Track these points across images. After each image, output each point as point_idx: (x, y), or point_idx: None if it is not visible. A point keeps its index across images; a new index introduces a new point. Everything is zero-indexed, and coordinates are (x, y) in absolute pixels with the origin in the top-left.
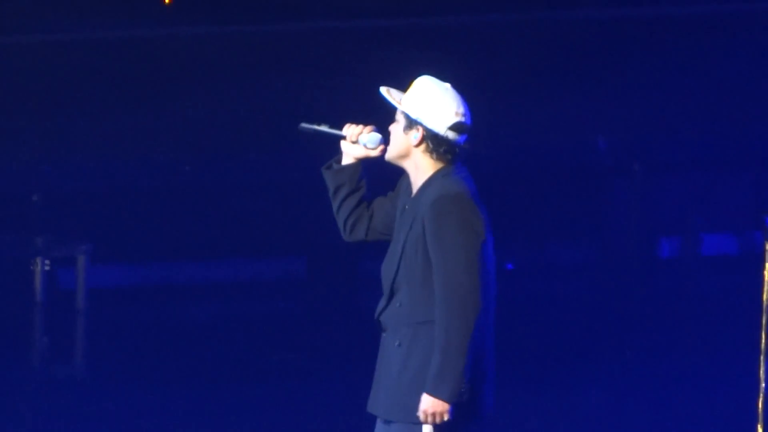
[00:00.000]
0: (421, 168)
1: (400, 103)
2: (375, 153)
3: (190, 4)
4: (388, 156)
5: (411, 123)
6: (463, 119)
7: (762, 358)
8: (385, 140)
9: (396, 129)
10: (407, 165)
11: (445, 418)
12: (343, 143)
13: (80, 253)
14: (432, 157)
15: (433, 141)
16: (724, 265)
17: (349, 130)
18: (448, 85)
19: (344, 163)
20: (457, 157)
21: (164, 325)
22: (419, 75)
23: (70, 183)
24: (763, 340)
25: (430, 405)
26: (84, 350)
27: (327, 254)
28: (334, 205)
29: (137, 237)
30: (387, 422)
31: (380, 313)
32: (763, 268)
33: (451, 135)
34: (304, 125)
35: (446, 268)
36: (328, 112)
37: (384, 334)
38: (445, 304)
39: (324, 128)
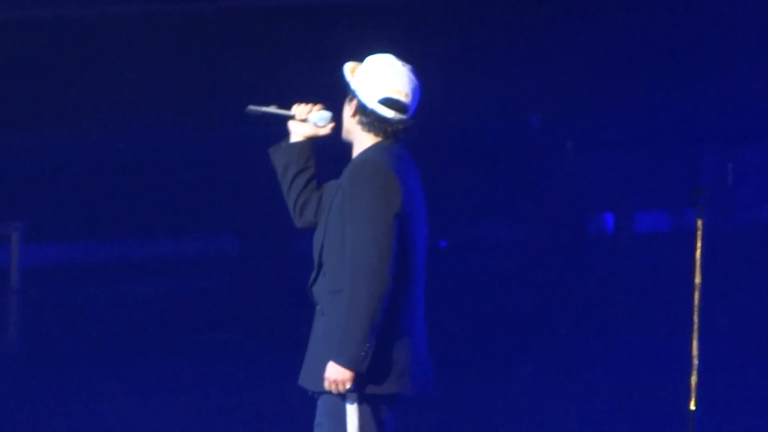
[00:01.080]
0: (359, 142)
1: (345, 74)
2: (324, 131)
3: None
4: (342, 133)
5: (350, 95)
6: (399, 97)
7: (694, 334)
8: (336, 119)
9: (345, 104)
10: (352, 140)
11: (347, 386)
12: (291, 123)
13: (13, 230)
14: (367, 132)
15: (362, 113)
16: (657, 242)
17: (298, 109)
18: (401, 65)
19: (290, 142)
20: (394, 135)
21: (98, 304)
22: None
23: (2, 161)
24: (696, 317)
25: (331, 372)
26: (18, 329)
27: (260, 232)
28: (284, 187)
29: (71, 215)
30: (316, 394)
31: (311, 285)
32: (695, 245)
33: (381, 109)
34: (252, 107)
35: (355, 236)
36: (258, 91)
37: (317, 307)
38: (351, 272)
39: (272, 109)
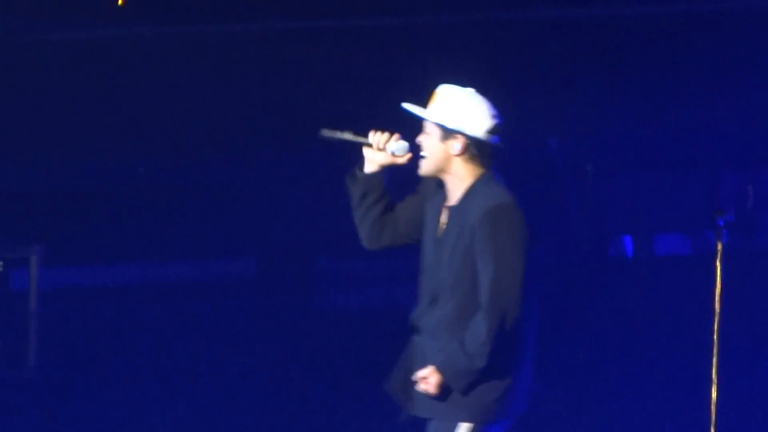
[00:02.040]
0: (460, 176)
1: (429, 115)
2: (401, 161)
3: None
4: (425, 170)
5: (448, 133)
6: (497, 120)
7: (714, 359)
8: (412, 148)
9: (430, 141)
10: (443, 175)
11: (432, 392)
12: (366, 150)
13: (33, 254)
14: (472, 165)
15: (476, 147)
16: (677, 264)
17: (375, 138)
18: (472, 90)
19: (368, 171)
20: (492, 163)
21: (116, 327)
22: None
23: (22, 183)
24: (715, 340)
25: (436, 380)
26: (36, 352)
27: (277, 254)
28: (358, 214)
29: (89, 238)
30: (429, 420)
31: (419, 317)
32: (715, 267)
33: (491, 138)
34: (327, 132)
35: (497, 279)
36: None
37: (417, 337)
38: (488, 312)
39: (348, 136)
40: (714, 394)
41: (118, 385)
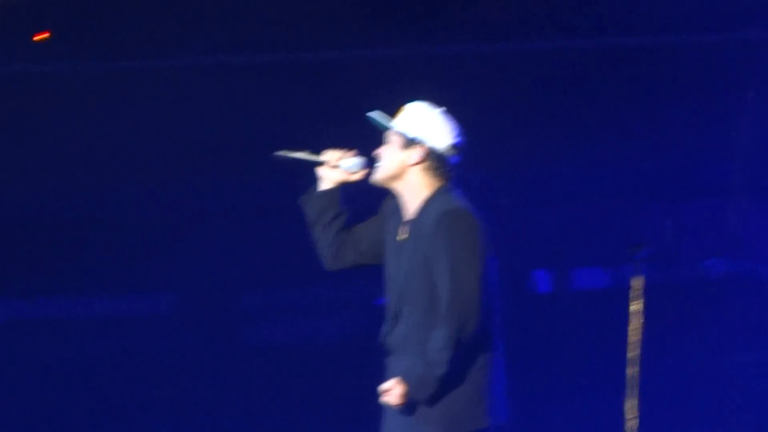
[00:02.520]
0: (416, 187)
1: (393, 124)
2: (356, 177)
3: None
4: (378, 177)
5: (409, 142)
6: (460, 140)
7: (628, 391)
8: (368, 164)
9: (390, 150)
10: (400, 186)
11: (395, 403)
12: (320, 169)
13: None
14: (429, 176)
15: (434, 159)
16: (594, 299)
17: (329, 155)
18: (442, 109)
19: (323, 189)
20: (451, 177)
21: (34, 361)
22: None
23: None
24: (630, 374)
25: (400, 391)
26: None
27: (201, 289)
28: (315, 233)
29: (14, 272)
30: None
31: (386, 337)
32: (633, 301)
33: (451, 154)
34: (281, 153)
35: (453, 284)
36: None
37: (389, 358)
38: (448, 319)
39: (302, 155)
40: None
41: (35, 420)
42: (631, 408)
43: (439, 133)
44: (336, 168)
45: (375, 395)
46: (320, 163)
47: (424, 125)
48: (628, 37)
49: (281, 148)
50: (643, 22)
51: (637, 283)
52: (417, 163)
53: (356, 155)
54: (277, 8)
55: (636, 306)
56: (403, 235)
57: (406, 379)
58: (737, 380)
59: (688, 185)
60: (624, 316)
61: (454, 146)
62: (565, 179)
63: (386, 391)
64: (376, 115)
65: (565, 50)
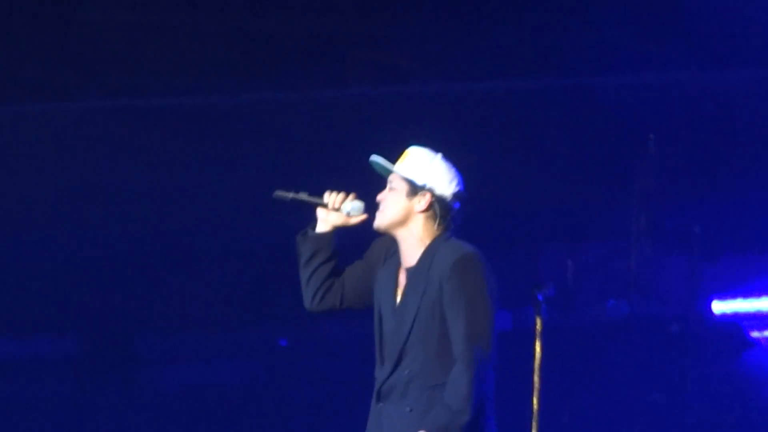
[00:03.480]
0: (417, 235)
1: (400, 170)
2: (355, 221)
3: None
4: (382, 222)
5: (416, 189)
6: (461, 186)
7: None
8: (368, 208)
9: (395, 196)
10: (402, 232)
11: None
12: (319, 210)
13: None
14: (432, 223)
15: (440, 207)
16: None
17: (331, 198)
18: (440, 154)
19: (320, 231)
20: (450, 225)
21: None
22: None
23: None
24: (535, 414)
25: None
26: None
27: (99, 332)
28: (305, 273)
29: None
30: None
31: (383, 382)
32: (535, 342)
33: (454, 202)
34: (280, 193)
35: (469, 328)
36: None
37: (380, 404)
38: (466, 363)
39: (302, 196)
40: None
41: None
42: None
43: (445, 180)
44: (336, 211)
45: None
46: (322, 205)
47: (430, 172)
48: (516, 80)
49: (278, 189)
50: (531, 65)
51: (538, 323)
52: (423, 211)
53: (356, 199)
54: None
55: (537, 346)
56: (402, 282)
57: (432, 429)
58: (639, 421)
59: (590, 227)
60: (529, 357)
61: (458, 194)
62: (468, 221)
63: None
64: (378, 159)
65: (439, 94)
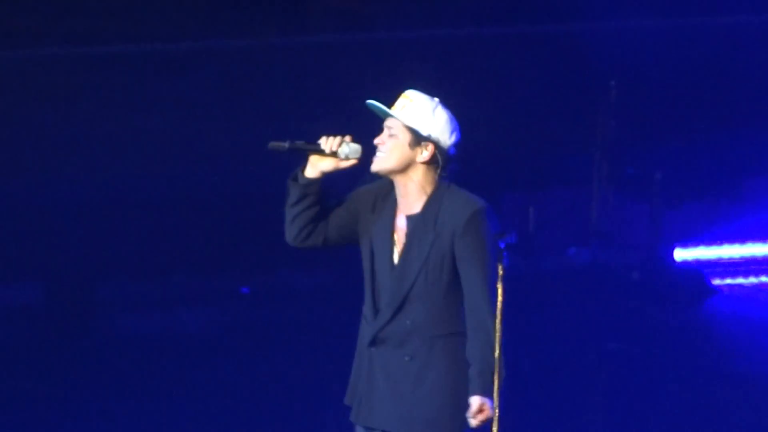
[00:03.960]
0: (418, 183)
1: (404, 118)
2: (349, 164)
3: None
4: (381, 167)
5: (420, 139)
6: (459, 134)
7: (496, 380)
8: (365, 151)
9: (396, 143)
10: (402, 179)
11: (489, 415)
12: (312, 156)
13: None
14: (434, 173)
15: (443, 158)
16: None
17: (328, 143)
18: (437, 99)
19: (310, 176)
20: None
21: None
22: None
23: None
24: (497, 363)
25: (484, 404)
26: None
27: (63, 279)
28: (291, 214)
29: None
30: None
31: (380, 329)
32: (497, 289)
33: (454, 152)
34: (275, 143)
35: (485, 277)
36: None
37: (375, 349)
38: (487, 310)
39: (299, 144)
40: (496, 420)
41: None
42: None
43: (447, 131)
44: (332, 155)
45: (233, 383)
46: (319, 151)
47: (433, 123)
48: (475, 27)
49: (272, 140)
50: (491, 13)
51: (500, 270)
52: (425, 162)
53: (353, 141)
54: None
55: (499, 292)
56: (402, 228)
57: (484, 390)
58: (600, 368)
59: (551, 175)
60: None
61: (458, 145)
62: None
63: (479, 412)
64: (379, 105)
65: (414, 40)
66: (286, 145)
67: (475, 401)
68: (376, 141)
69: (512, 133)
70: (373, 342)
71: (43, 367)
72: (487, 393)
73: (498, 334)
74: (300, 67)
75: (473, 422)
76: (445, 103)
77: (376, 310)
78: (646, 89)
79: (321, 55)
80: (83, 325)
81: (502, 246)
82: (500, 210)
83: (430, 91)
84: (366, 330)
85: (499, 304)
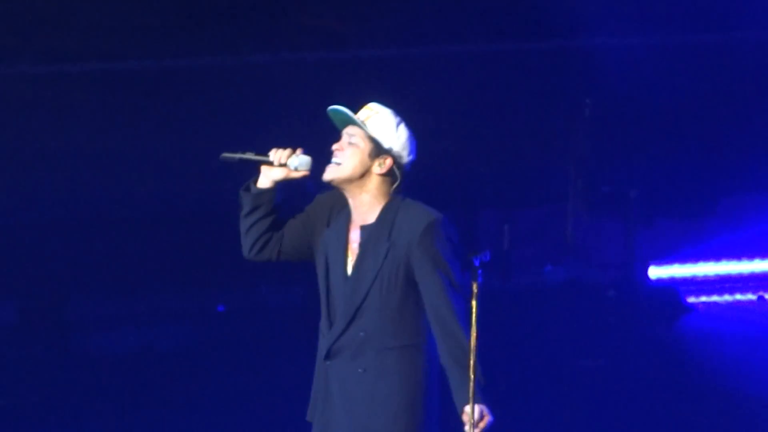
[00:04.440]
0: (373, 194)
1: (369, 128)
2: (298, 175)
3: None
4: (336, 176)
5: (380, 151)
6: (414, 152)
7: (471, 401)
8: (314, 163)
9: (356, 152)
10: (356, 189)
11: (490, 420)
12: (264, 167)
13: None
14: (389, 186)
15: (400, 173)
16: None
17: (277, 154)
18: (399, 117)
19: (261, 186)
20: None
21: None
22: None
23: None
24: (471, 383)
25: (484, 411)
26: None
27: (36, 297)
28: (245, 225)
29: None
30: None
31: (335, 341)
32: (471, 307)
33: (409, 170)
34: (227, 155)
35: (446, 286)
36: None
37: (328, 361)
38: (457, 321)
39: (249, 155)
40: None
41: None
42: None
43: (407, 148)
44: (282, 166)
45: (209, 401)
46: (269, 162)
47: (396, 137)
48: (451, 45)
49: (224, 151)
50: (468, 31)
51: (474, 288)
52: (382, 174)
53: (303, 153)
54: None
55: (473, 308)
56: (355, 239)
57: (480, 402)
58: (574, 385)
59: (526, 192)
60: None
61: (412, 162)
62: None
63: (483, 425)
64: (343, 110)
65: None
66: (237, 156)
67: (475, 410)
68: (334, 147)
69: (487, 151)
70: (328, 355)
71: (17, 386)
72: (481, 400)
73: (473, 343)
74: (271, 83)
75: (480, 428)
76: (421, 120)
77: (330, 323)
78: (621, 107)
79: (297, 72)
80: (57, 343)
81: (477, 263)
82: (475, 227)
83: (405, 108)
84: (322, 344)
85: (473, 322)
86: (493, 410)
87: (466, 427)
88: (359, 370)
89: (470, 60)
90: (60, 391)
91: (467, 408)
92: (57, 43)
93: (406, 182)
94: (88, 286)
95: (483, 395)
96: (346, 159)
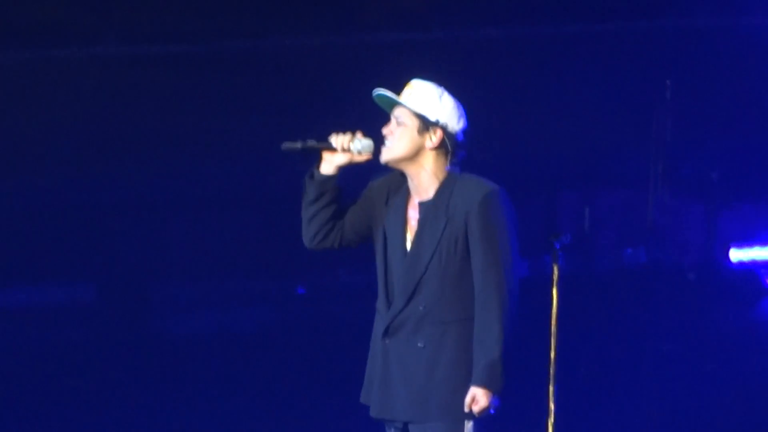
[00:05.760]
0: (429, 170)
1: (411, 105)
2: (362, 159)
3: None
4: (391, 157)
5: (428, 125)
6: (466, 121)
7: (551, 382)
8: (376, 145)
9: (405, 131)
10: (412, 167)
11: (491, 410)
12: (326, 153)
13: None
14: (444, 159)
15: (452, 144)
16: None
17: (339, 140)
18: (443, 88)
19: (326, 172)
20: (459, 160)
21: None
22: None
23: None
24: (552, 362)
25: (482, 396)
26: None
27: (117, 278)
28: (308, 213)
29: None
30: (413, 424)
31: (395, 317)
32: (552, 290)
33: (462, 137)
34: (288, 144)
35: (499, 264)
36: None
37: (386, 340)
38: (498, 298)
39: (311, 144)
40: (551, 415)
41: None
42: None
43: (455, 116)
44: (346, 151)
45: (289, 384)
46: (331, 149)
47: (441, 108)
48: (531, 26)
49: (285, 141)
50: (546, 11)
51: (555, 271)
52: (434, 148)
53: (364, 136)
54: None
55: (554, 294)
56: (414, 216)
57: (479, 384)
58: (655, 370)
59: (606, 174)
60: (547, 305)
61: (465, 130)
62: (484, 167)
63: (478, 410)
64: (384, 92)
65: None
66: (299, 145)
67: (468, 392)
68: (384, 130)
69: (567, 133)
70: (387, 332)
71: (97, 367)
72: (481, 383)
73: (553, 327)
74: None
75: (475, 411)
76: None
77: (389, 302)
78: (702, 88)
79: (329, 56)
80: (137, 325)
81: (557, 246)
82: (555, 210)
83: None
84: (380, 323)
85: (554, 306)
86: (502, 398)
87: (466, 408)
88: (419, 345)
89: (552, 39)
90: (139, 372)
91: (473, 388)
92: (141, 25)
93: (464, 152)
94: (169, 268)
95: (489, 380)
96: (396, 140)
